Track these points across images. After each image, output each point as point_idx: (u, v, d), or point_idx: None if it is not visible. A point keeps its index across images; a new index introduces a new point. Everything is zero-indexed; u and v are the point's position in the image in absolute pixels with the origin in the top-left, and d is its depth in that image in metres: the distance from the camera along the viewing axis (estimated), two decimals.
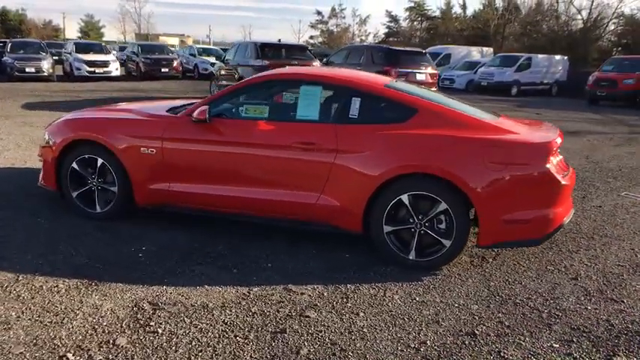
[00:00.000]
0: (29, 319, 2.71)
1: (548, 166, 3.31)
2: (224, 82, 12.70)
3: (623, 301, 3.21)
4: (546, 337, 2.77)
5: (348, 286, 3.28)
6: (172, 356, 2.45)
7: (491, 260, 3.74)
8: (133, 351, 2.48)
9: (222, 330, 2.70)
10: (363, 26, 46.78)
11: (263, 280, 3.31)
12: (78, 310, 2.83)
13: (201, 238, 3.92)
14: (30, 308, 2.82)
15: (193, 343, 2.57)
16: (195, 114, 3.77)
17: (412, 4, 42.72)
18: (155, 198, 4.04)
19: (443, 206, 3.37)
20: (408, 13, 43.70)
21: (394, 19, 43.92)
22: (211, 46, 25.09)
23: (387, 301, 3.10)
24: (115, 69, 18.66)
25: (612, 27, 31.18)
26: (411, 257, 3.52)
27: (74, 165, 4.15)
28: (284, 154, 3.66)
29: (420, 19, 43.62)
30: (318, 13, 48.45)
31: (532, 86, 21.76)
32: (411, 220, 3.48)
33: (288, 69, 4.87)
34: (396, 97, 3.69)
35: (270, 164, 3.72)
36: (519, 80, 21.26)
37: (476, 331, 2.79)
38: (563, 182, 3.36)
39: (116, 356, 2.43)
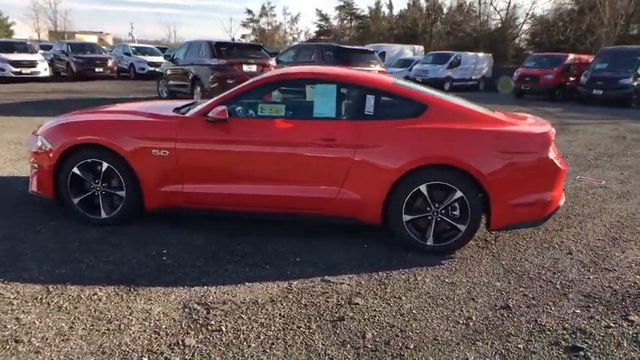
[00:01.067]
0: (83, 328, 2.65)
1: (549, 153, 3.69)
2: (173, 82, 12.41)
3: (615, 269, 3.66)
4: (567, 304, 3.12)
5: (380, 273, 3.46)
6: (248, 351, 2.51)
7: (493, 242, 4.08)
8: (207, 350, 2.51)
9: (283, 323, 2.79)
10: (294, 25, 47.07)
11: (298, 274, 3.41)
12: (130, 315, 2.79)
13: (216, 238, 3.93)
14: (78, 318, 2.74)
15: (262, 337, 2.64)
16: (212, 114, 3.77)
17: (342, 3, 43.58)
18: (167, 201, 3.99)
19: (458, 194, 3.65)
20: (338, 12, 44.53)
21: (324, 17, 44.59)
22: (147, 45, 24.12)
23: (420, 284, 3.32)
24: (43, 69, 17.48)
25: (526, 27, 33.74)
26: (428, 243, 3.76)
27: (75, 170, 3.99)
28: (305, 151, 3.77)
29: (349, 17, 44.56)
30: (249, 11, 48.12)
31: (463, 82, 23.07)
32: (428, 209, 3.73)
33: (303, 68, 4.94)
34: (406, 94, 3.92)
35: (291, 161, 3.81)
36: (451, 76, 22.46)
37: (509, 304, 3.08)
38: (560, 168, 3.75)
39: (192, 356, 2.45)
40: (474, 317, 2.92)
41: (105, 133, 3.94)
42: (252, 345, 2.57)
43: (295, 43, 15.13)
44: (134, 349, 2.48)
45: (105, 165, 3.96)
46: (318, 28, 45.38)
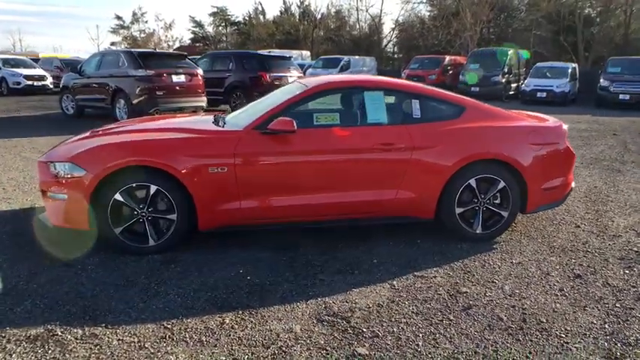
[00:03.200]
0: (248, 357, 2.51)
1: (567, 142, 4.30)
2: (83, 97, 11.33)
3: (621, 235, 4.40)
4: (617, 268, 3.71)
5: (456, 263, 3.74)
6: (424, 350, 2.62)
7: (519, 226, 4.60)
8: (382, 355, 2.56)
9: (423, 319, 2.92)
10: (169, 31, 45.08)
11: (388, 274, 3.53)
12: (277, 336, 2.70)
13: (281, 252, 3.87)
14: (230, 348, 2.58)
15: (419, 334, 2.76)
16: (275, 126, 3.71)
17: (215, 10, 42.87)
18: (224, 219, 3.82)
19: (502, 184, 4.07)
20: (212, 19, 43.70)
21: (199, 24, 43.46)
22: (18, 56, 21.23)
23: (497, 268, 3.67)
24: None
25: (396, 32, 36.60)
26: (477, 231, 4.14)
27: (117, 196, 3.62)
28: (368, 156, 3.90)
29: (224, 24, 44.04)
30: (118, 17, 44.89)
31: None
32: (475, 200, 4.10)
33: (349, 76, 4.96)
34: (445, 97, 4.26)
35: (354, 167, 3.90)
36: None
37: (579, 274, 3.58)
38: (574, 154, 4.39)
39: None
40: (564, 288, 3.35)
41: (156, 153, 3.64)
42: (420, 342, 2.68)
43: (209, 52, 14.58)
44: None
45: (153, 188, 3.66)
46: (192, 35, 44.08)
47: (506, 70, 20.61)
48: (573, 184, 4.56)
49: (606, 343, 2.71)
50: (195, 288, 3.25)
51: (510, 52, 21.18)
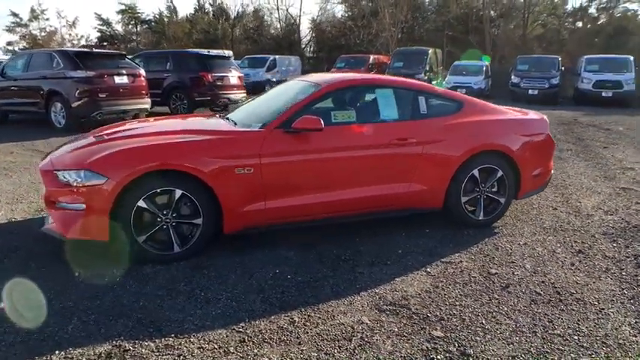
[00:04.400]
0: (337, 351, 2.56)
1: (549, 133, 4.75)
2: (8, 101, 10.33)
3: (593, 214, 4.95)
4: (605, 242, 4.19)
5: (471, 248, 4.01)
6: (491, 327, 2.82)
7: (509, 213, 4.98)
8: (457, 335, 2.73)
9: (473, 300, 3.13)
10: (72, 30, 41.84)
11: (417, 262, 3.71)
12: (352, 329, 2.77)
13: (309, 248, 3.89)
14: (315, 344, 2.61)
15: (479, 314, 2.96)
16: (302, 125, 3.72)
17: (123, 7, 40.60)
18: (249, 221, 3.77)
19: (500, 173, 4.42)
20: (121, 17, 41.30)
21: (106, 22, 40.78)
22: None
23: (509, 250, 4.00)
24: None
25: (314, 32, 37.08)
26: (480, 218, 4.46)
27: (141, 203, 3.45)
28: (384, 152, 4.04)
29: (134, 22, 41.84)
30: (14, 14, 40.85)
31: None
32: (477, 189, 4.41)
33: (361, 75, 4.98)
34: (445, 94, 4.52)
35: (372, 163, 4.03)
36: (270, 79, 23.49)
37: (579, 249, 4.00)
38: (555, 143, 4.86)
39: (454, 342, 2.65)
40: (574, 263, 3.74)
41: (184, 156, 3.51)
42: (483, 321, 2.88)
43: (143, 51, 13.71)
44: (413, 357, 2.55)
45: (178, 192, 3.52)
46: (99, 34, 41.35)
47: (427, 68, 21.78)
48: (552, 171, 5.04)
49: (633, 306, 3.09)
50: (242, 290, 3.20)
51: (430, 51, 22.41)
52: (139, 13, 42.24)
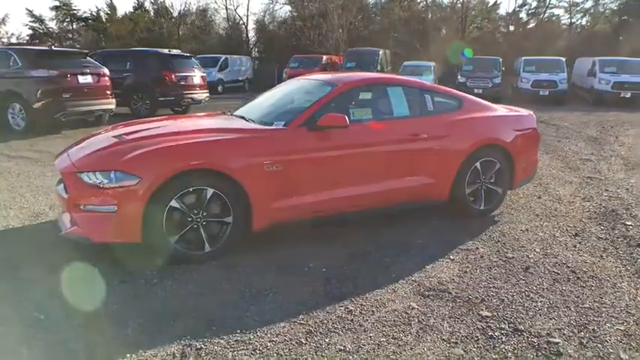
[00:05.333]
0: (403, 335, 2.70)
1: (536, 127, 5.13)
2: None
3: (574, 202, 5.40)
4: (593, 225, 4.60)
5: (482, 236, 4.27)
6: (529, 305, 3.06)
7: (507, 201, 5.31)
8: (503, 314, 2.95)
9: (503, 282, 3.37)
10: (2, 27, 38.95)
11: (439, 250, 3.91)
12: (407, 314, 2.91)
13: (329, 244, 4.00)
14: (381, 330, 2.74)
15: (514, 293, 3.20)
16: (328, 122, 3.81)
17: (57, 3, 38.42)
18: (276, 217, 3.82)
19: (498, 166, 4.74)
20: (55, 13, 39.06)
21: (38, 19, 38.44)
22: None
23: (515, 235, 4.29)
24: None
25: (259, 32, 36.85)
26: (481, 207, 4.76)
27: (173, 203, 3.42)
28: (399, 147, 4.23)
29: (69, 19, 39.74)
30: None
31: (233, 83, 24.14)
32: (478, 180, 4.70)
33: (374, 74, 5.06)
34: (447, 92, 4.78)
35: (390, 158, 4.20)
36: (223, 79, 23.24)
37: (575, 233, 4.37)
38: (540, 137, 5.25)
39: (505, 321, 2.88)
40: (576, 245, 4.10)
41: (217, 155, 3.51)
42: (520, 300, 3.12)
43: (99, 50, 13.01)
44: (473, 335, 2.74)
45: (210, 191, 3.52)
46: (31, 31, 38.92)
47: (379, 68, 22.33)
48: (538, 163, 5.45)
49: (639, 280, 3.45)
50: (285, 285, 3.26)
51: (381, 51, 22.99)
52: (74, 9, 40.16)
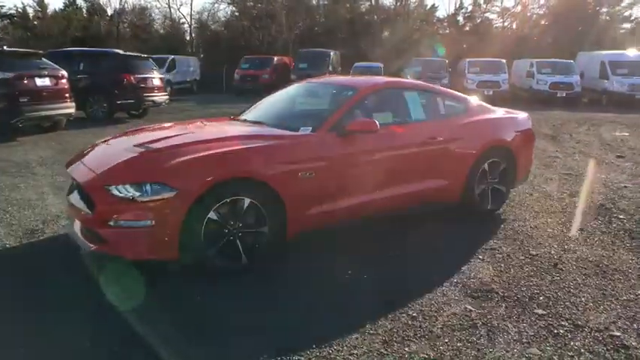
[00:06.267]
0: (476, 338, 2.72)
1: (531, 128, 5.36)
2: None
3: (563, 198, 5.70)
4: (591, 220, 4.88)
5: (498, 234, 4.41)
6: (578, 300, 3.19)
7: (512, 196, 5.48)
8: (556, 311, 3.05)
9: (539, 279, 3.50)
10: None
11: (467, 251, 3.98)
12: (467, 316, 2.95)
13: (354, 253, 3.95)
14: (449, 332, 2.75)
15: (558, 289, 3.33)
16: (358, 127, 3.79)
17: None
18: (308, 225, 3.75)
19: (503, 166, 4.91)
20: None
21: None
22: None
23: (530, 234, 4.44)
24: None
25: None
26: (489, 207, 4.91)
27: (212, 215, 3.26)
28: (420, 150, 4.28)
29: None
30: None
31: (181, 85, 23.40)
32: (485, 181, 4.85)
33: (387, 78, 4.98)
34: (454, 95, 4.88)
35: (410, 161, 4.25)
36: (171, 80, 22.44)
37: (580, 228, 4.61)
38: (535, 137, 5.50)
39: (558, 314, 2.98)
40: (587, 239, 4.33)
41: (256, 163, 3.39)
42: (566, 296, 3.24)
43: (50, 50, 11.98)
44: (540, 334, 2.81)
45: (247, 201, 3.39)
46: None
47: (331, 69, 22.51)
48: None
49: None
50: (333, 293, 3.22)
51: (332, 52, 23.18)
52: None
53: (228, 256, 3.40)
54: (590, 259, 3.87)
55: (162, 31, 34.70)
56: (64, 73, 9.23)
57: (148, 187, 3.12)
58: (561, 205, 5.35)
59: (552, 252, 4.01)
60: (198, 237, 3.22)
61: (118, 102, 11.11)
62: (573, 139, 10.17)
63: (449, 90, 5.06)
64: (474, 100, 5.10)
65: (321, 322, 2.85)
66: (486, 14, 40.81)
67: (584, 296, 3.25)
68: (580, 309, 3.07)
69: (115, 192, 3.15)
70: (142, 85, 11.47)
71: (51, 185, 5.82)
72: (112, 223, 3.17)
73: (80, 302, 3.02)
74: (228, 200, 3.31)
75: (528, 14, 40.30)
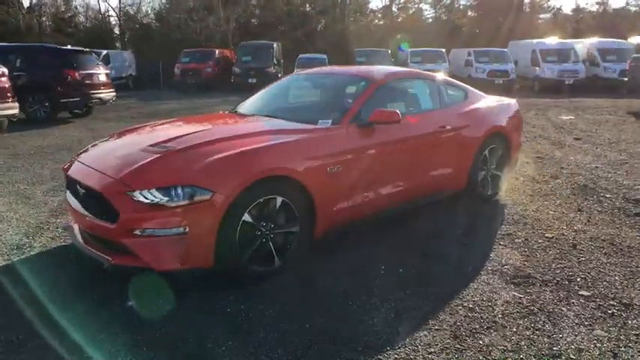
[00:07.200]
0: (532, 321, 2.72)
1: (519, 111, 5.50)
2: None
3: (549, 182, 5.92)
4: (582, 200, 5.09)
5: (508, 219, 4.48)
6: (613, 277, 3.28)
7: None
8: (599, 292, 3.13)
9: (567, 262, 3.57)
10: None
11: (488, 238, 4.02)
12: (519, 304, 2.95)
13: (379, 247, 3.86)
14: (504, 319, 2.72)
15: (590, 269, 3.41)
16: (380, 118, 3.67)
17: None
18: (335, 221, 3.60)
19: (500, 152, 5.00)
20: None
21: None
22: None
23: (536, 217, 4.54)
24: None
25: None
26: (489, 193, 4.99)
27: (246, 217, 3.03)
28: (433, 139, 4.24)
29: None
30: None
31: (117, 81, 22.01)
32: (485, 167, 4.92)
33: (396, 68, 4.79)
34: (454, 83, 4.89)
35: (426, 151, 4.20)
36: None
37: (577, 208, 4.79)
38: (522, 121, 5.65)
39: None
40: (590, 219, 4.49)
41: (289, 159, 3.17)
42: (597, 276, 3.33)
43: None
44: (596, 316, 2.85)
45: (279, 200, 3.19)
46: None
47: (275, 61, 22.16)
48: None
49: None
50: (380, 289, 3.10)
51: (275, 44, 22.81)
52: None
53: (263, 260, 3.18)
54: (603, 239, 4.01)
55: (88, 24, 32.55)
56: (5, 70, 8.35)
57: (179, 190, 2.83)
58: (549, 188, 5.55)
59: (565, 234, 4.12)
60: (233, 242, 2.98)
61: (62, 100, 10.24)
62: (528, 124, 10.63)
63: (450, 79, 5.06)
64: (470, 87, 5.14)
65: (384, 323, 2.72)
66: (419, 5, 42.05)
67: (615, 275, 3.35)
68: (619, 287, 3.16)
69: (141, 198, 2.84)
70: (88, 82, 10.65)
71: (16, 194, 5.23)
72: (138, 233, 2.85)
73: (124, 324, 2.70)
74: (261, 200, 3.09)
75: (456, 5, 42.01)
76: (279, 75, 22.59)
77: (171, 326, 2.67)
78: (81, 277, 3.26)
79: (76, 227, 3.52)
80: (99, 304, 2.91)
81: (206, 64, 21.43)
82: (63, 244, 3.85)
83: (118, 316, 2.78)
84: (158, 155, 3.08)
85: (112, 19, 32.60)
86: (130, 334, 2.60)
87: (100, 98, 10.99)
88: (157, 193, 2.84)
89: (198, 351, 2.46)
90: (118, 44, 32.92)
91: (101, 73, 11.27)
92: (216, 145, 3.16)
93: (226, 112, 4.68)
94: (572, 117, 11.88)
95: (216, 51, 22.77)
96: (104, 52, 21.74)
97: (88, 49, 12.37)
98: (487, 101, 5.06)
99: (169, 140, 3.34)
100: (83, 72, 10.56)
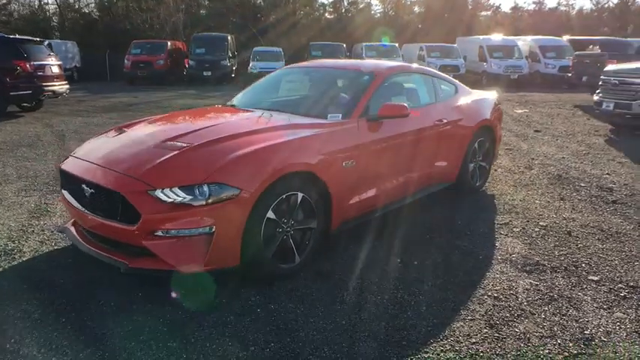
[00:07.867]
0: (555, 307, 2.83)
1: (500, 103, 5.69)
2: None
3: (534, 168, 6.18)
4: (570, 189, 5.36)
5: (500, 209, 4.64)
6: (622, 260, 3.47)
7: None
8: (610, 276, 3.30)
9: (575, 246, 3.75)
10: None
11: (488, 229, 4.14)
12: (545, 293, 3.06)
13: (389, 239, 3.90)
14: (536, 304, 2.83)
15: (601, 253, 3.59)
16: (389, 112, 3.67)
17: None
18: (349, 215, 3.59)
19: (487, 144, 5.16)
20: None
21: None
22: None
23: (526, 207, 4.74)
24: None
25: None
26: (477, 184, 5.14)
27: (270, 214, 2.96)
28: (433, 132, 4.30)
29: None
30: None
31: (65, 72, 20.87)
32: (474, 159, 5.06)
33: (395, 62, 4.69)
34: (446, 78, 4.98)
35: (428, 144, 4.24)
36: None
37: (560, 197, 5.03)
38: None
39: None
40: (574, 208, 4.73)
41: (310, 155, 3.12)
42: (599, 261, 3.51)
43: None
44: (609, 299, 3.00)
45: (300, 196, 3.13)
46: None
47: (230, 54, 21.73)
48: None
49: None
50: (407, 284, 3.12)
51: (229, 37, 22.35)
52: None
53: (284, 257, 3.12)
54: (592, 225, 4.24)
55: (23, 12, 30.49)
56: None
57: (204, 188, 2.71)
58: (528, 178, 5.79)
59: (557, 222, 4.32)
60: (258, 239, 2.90)
61: (12, 94, 9.54)
62: None
63: (441, 73, 5.15)
64: (458, 82, 5.27)
65: (418, 316, 2.74)
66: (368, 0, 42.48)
67: (614, 258, 3.56)
68: (621, 270, 3.36)
69: (163, 197, 2.70)
70: (40, 74, 9.97)
71: None
72: (160, 234, 2.71)
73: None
74: (284, 197, 3.02)
75: (403, 1, 42.85)
76: (234, 68, 22.21)
77: (206, 328, 2.57)
78: (94, 280, 3.07)
79: (73, 229, 3.32)
80: (118, 309, 2.75)
81: (158, 56, 20.66)
82: (56, 247, 3.60)
83: (143, 323, 2.64)
84: (176, 152, 2.94)
85: (50, 7, 30.63)
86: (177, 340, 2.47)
87: (52, 91, 10.34)
88: (180, 192, 2.71)
89: (244, 356, 2.38)
90: (57, 33, 31.06)
91: (54, 65, 10.59)
92: (235, 141, 3.06)
93: (219, 105, 4.53)
94: (527, 110, 12.44)
95: (169, 43, 22.01)
96: (46, 42, 20.38)
97: (39, 39, 11.59)
98: (474, 95, 5.20)
99: (182, 136, 3.19)
100: (35, 63, 9.89)
